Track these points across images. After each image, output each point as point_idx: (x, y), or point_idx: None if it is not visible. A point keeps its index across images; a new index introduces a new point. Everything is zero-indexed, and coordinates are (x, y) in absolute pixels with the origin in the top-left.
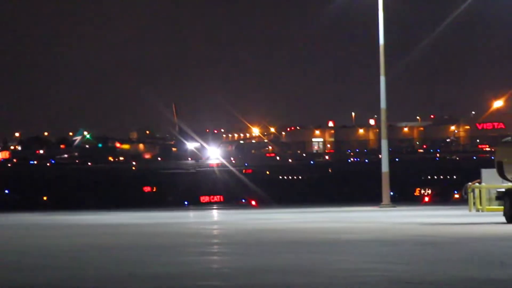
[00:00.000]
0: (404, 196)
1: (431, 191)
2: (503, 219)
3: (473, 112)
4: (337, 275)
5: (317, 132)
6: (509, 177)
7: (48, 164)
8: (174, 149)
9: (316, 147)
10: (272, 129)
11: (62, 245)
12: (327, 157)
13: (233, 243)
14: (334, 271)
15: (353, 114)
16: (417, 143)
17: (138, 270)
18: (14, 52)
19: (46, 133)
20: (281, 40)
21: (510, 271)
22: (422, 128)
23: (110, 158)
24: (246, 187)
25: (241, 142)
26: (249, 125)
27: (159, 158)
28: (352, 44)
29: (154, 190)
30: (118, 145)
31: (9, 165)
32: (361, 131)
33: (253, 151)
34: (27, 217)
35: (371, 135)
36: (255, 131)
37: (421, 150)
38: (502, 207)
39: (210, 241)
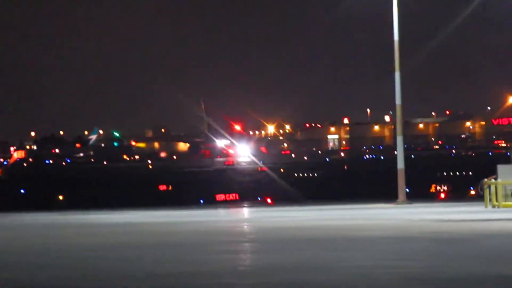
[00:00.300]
0: (420, 192)
1: (447, 187)
2: None
3: (489, 108)
4: (353, 272)
5: (332, 129)
6: None
7: (63, 163)
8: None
9: (331, 144)
10: (288, 127)
11: (82, 244)
12: (342, 154)
13: (248, 241)
14: (350, 268)
15: (368, 110)
16: (433, 139)
17: (157, 269)
18: (29, 52)
19: (61, 132)
20: (296, 37)
21: None
22: (437, 124)
23: (125, 157)
24: (265, 185)
25: (269, 138)
26: (264, 122)
27: (189, 156)
28: (367, 40)
29: (170, 188)
30: (133, 143)
31: (24, 164)
32: (376, 127)
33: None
34: (43, 217)
35: (387, 132)
36: (270, 128)
37: (436, 147)
38: None
39: (226, 239)
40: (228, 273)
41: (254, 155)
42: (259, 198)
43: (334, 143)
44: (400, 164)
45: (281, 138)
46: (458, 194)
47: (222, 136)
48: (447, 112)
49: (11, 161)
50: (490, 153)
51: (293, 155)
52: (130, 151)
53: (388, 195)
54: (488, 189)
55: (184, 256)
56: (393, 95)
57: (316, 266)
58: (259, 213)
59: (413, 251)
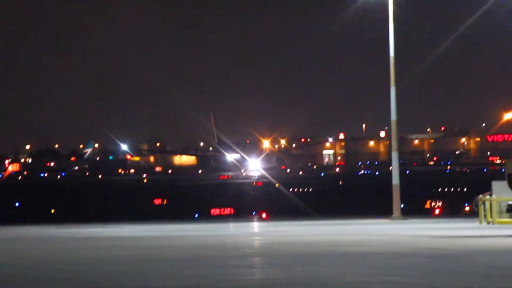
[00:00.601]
0: (415, 208)
1: (442, 203)
2: None
3: (484, 124)
4: (348, 287)
5: (328, 144)
6: None
7: (58, 176)
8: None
9: (326, 159)
10: (283, 141)
11: (73, 257)
12: (337, 169)
13: (242, 256)
14: (344, 284)
15: (363, 126)
16: (428, 155)
17: (148, 282)
18: (24, 63)
19: (56, 146)
20: (290, 51)
21: None
22: (432, 140)
23: (120, 171)
24: (258, 199)
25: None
26: (259, 137)
27: (199, 171)
28: (362, 56)
29: (165, 202)
30: (128, 157)
31: (19, 177)
32: (371, 143)
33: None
34: (37, 230)
35: (382, 147)
36: (265, 143)
37: (431, 162)
38: None
39: (219, 254)
40: None
41: (264, 169)
42: (254, 213)
43: (329, 158)
44: (395, 179)
45: (276, 152)
46: (453, 210)
47: (232, 150)
48: (442, 128)
49: (6, 174)
50: (485, 169)
51: (288, 170)
52: (125, 164)
53: (383, 210)
54: (482, 206)
55: (175, 271)
56: (388, 111)
57: (311, 281)
58: (252, 228)
59: (407, 267)
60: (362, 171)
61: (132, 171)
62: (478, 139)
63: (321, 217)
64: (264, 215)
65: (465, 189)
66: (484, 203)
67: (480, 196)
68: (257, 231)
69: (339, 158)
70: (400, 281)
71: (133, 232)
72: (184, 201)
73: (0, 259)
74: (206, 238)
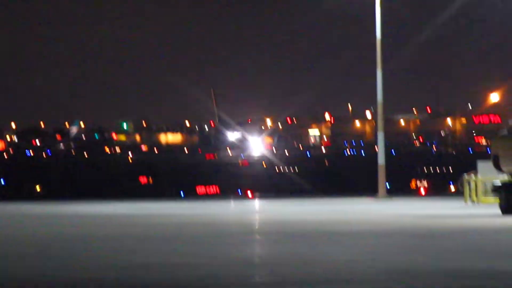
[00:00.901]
0: (400, 188)
1: (427, 183)
2: (499, 211)
3: (470, 105)
4: (334, 267)
5: (314, 124)
6: (504, 170)
7: (44, 154)
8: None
9: (312, 140)
10: (269, 121)
11: (65, 234)
12: (323, 150)
13: (228, 235)
14: (331, 263)
15: (349, 105)
16: (414, 136)
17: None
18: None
19: (42, 124)
20: (276, 33)
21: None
22: (418, 121)
23: (107, 149)
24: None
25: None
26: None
27: (199, 149)
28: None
29: (151, 181)
30: (114, 136)
31: (5, 155)
32: (357, 123)
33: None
34: (25, 207)
35: (368, 128)
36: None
37: (417, 143)
38: (498, 199)
39: (204, 231)
40: (203, 265)
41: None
42: (239, 191)
43: (315, 139)
44: (381, 160)
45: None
46: (438, 190)
47: (234, 129)
48: (428, 109)
49: None
50: (470, 150)
51: (274, 150)
52: (112, 143)
53: (368, 190)
54: (468, 185)
55: (164, 247)
56: (375, 91)
57: (296, 260)
58: (239, 206)
59: (393, 245)
60: (348, 152)
61: (118, 150)
62: (464, 120)
63: (307, 196)
64: (249, 194)
65: (450, 170)
66: (469, 182)
67: (465, 174)
68: (242, 210)
69: (325, 138)
70: (384, 259)
71: (118, 210)
72: (170, 180)
73: None
74: (183, 218)
